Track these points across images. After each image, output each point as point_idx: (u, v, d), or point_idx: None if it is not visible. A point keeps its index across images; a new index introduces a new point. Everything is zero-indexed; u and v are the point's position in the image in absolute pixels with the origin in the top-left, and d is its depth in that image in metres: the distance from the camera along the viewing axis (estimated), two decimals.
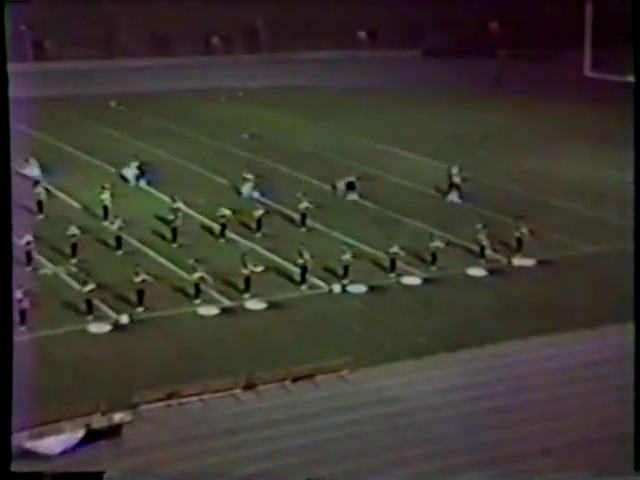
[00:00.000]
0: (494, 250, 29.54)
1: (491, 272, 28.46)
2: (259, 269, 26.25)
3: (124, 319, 24.31)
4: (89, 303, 24.47)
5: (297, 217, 32.42)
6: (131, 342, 23.39)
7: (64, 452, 18.26)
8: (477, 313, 25.43)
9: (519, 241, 29.65)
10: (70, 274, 27.34)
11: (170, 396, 20.12)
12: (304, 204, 32.02)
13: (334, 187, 36.10)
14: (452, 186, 36.13)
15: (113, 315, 24.57)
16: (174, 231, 30.20)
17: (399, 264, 28.02)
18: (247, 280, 26.07)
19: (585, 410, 20.14)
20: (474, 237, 29.60)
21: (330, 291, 26.79)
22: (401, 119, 51.32)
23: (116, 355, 22.59)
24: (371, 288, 26.99)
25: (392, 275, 27.83)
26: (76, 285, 26.19)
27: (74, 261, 28.14)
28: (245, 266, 26.10)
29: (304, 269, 26.95)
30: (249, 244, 30.21)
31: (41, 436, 18.45)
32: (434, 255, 28.48)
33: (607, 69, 58.01)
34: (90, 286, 24.46)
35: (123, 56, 68.18)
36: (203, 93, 57.12)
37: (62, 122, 47.88)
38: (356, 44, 73.08)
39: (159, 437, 18.94)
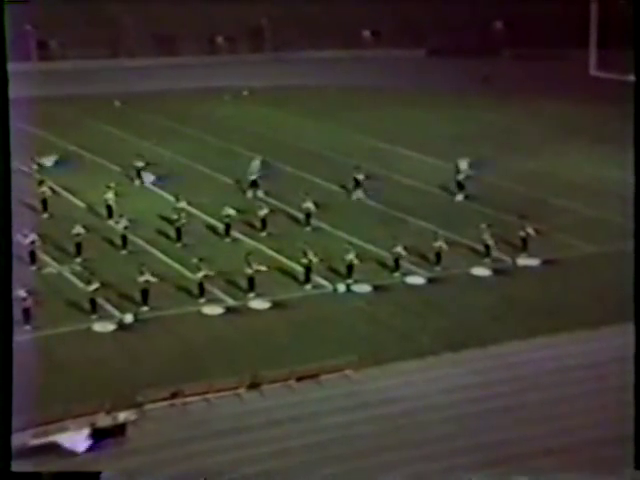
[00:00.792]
0: (498, 250, 29.53)
1: (495, 272, 28.46)
2: (263, 268, 26.30)
3: (128, 318, 24.38)
4: (93, 302, 24.55)
5: (301, 216, 32.44)
6: (135, 341, 23.46)
7: (89, 449, 18.34)
8: (481, 313, 25.44)
9: (524, 241, 29.65)
10: (74, 273, 27.42)
11: (174, 395, 20.19)
12: (308, 203, 32.07)
13: (344, 187, 36.21)
14: (460, 185, 36.15)
15: (117, 314, 24.64)
16: (178, 231, 30.26)
17: (403, 264, 28.05)
18: (251, 280, 26.12)
19: (588, 411, 20.15)
20: (478, 236, 29.59)
21: (334, 291, 26.83)
22: (405, 118, 51.29)
23: (120, 354, 22.67)
24: (375, 288, 27.03)
25: (396, 275, 27.86)
26: (80, 284, 26.26)
27: (79, 260, 28.21)
28: (249, 265, 26.14)
29: (308, 269, 26.99)
30: (253, 243, 30.28)
31: (46, 434, 18.54)
32: (438, 255, 28.49)
33: (613, 68, 57.90)
34: (94, 285, 24.52)
35: (127, 56, 68.23)
36: (207, 92, 57.13)
37: (66, 121, 47.97)
38: (360, 43, 73.03)
39: (163, 436, 19.00)
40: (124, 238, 29.45)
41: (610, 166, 39.34)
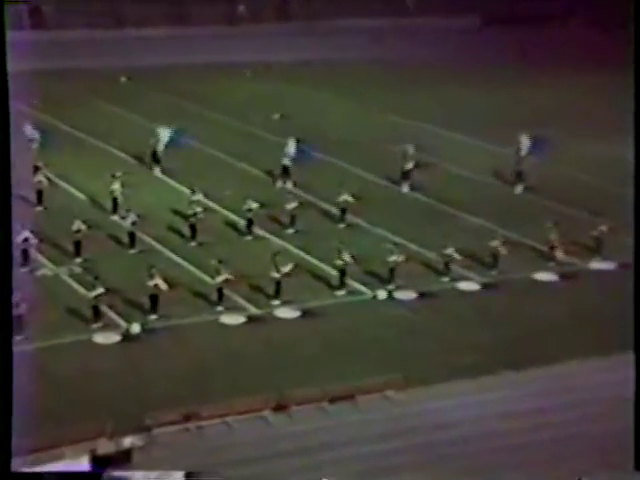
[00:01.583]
0: (566, 252, 29.28)
1: (562, 277, 28.26)
2: (290, 270, 26.23)
3: (135, 328, 24.45)
4: (96, 309, 24.62)
5: (336, 211, 32.41)
6: (143, 354, 23.53)
7: None
8: (545, 325, 25.27)
9: (597, 241, 29.35)
10: (73, 275, 27.54)
11: (188, 418, 20.18)
12: (344, 196, 31.99)
13: (384, 177, 36.22)
14: (519, 175, 35.91)
15: (123, 323, 24.69)
16: (193, 227, 30.30)
17: (454, 267, 27.90)
18: (278, 284, 26.07)
19: None
20: (542, 236, 29.38)
21: (374, 297, 26.79)
22: (455, 97, 51.15)
23: (126, 369, 22.73)
24: (421, 294, 26.95)
25: (446, 279, 27.72)
26: (80, 288, 26.39)
27: (78, 260, 28.34)
28: (276, 268, 26.08)
29: (343, 272, 26.91)
30: (280, 242, 30.25)
31: (39, 462, 18.57)
32: (495, 256, 28.31)
33: None
34: (98, 290, 24.58)
35: (134, 25, 68.60)
36: (226, 68, 57.35)
37: (64, 99, 48.31)
38: (404, 11, 72.89)
39: (174, 465, 18.96)
40: (132, 235, 29.53)
41: None
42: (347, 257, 26.90)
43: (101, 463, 18.76)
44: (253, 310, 25.83)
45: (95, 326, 24.47)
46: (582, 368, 23.04)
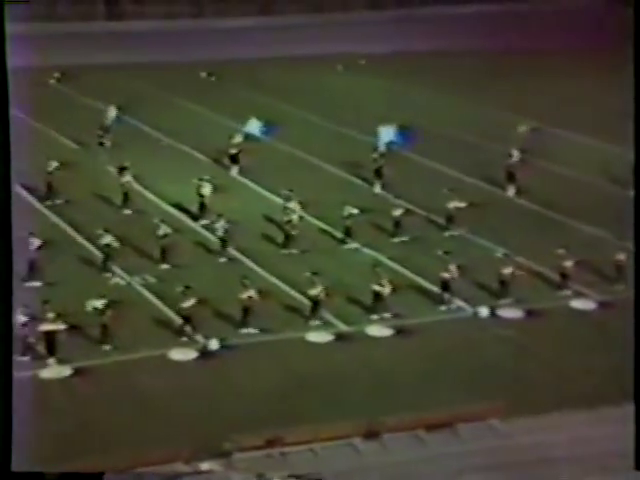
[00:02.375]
0: None
1: None
2: (388, 284, 26.32)
3: (213, 344, 24.74)
4: (187, 320, 24.98)
5: (439, 219, 32.55)
6: (222, 373, 23.78)
7: None
8: None
9: None
10: (146, 285, 27.97)
11: (270, 443, 20.34)
12: (454, 202, 32.00)
13: (488, 180, 36.10)
14: None
15: (201, 339, 25.04)
16: (286, 235, 30.63)
17: (569, 282, 27.72)
18: (377, 296, 26.19)
19: None
20: None
21: (475, 315, 26.63)
22: (569, 90, 50.43)
23: (204, 388, 23.01)
24: (529, 312, 26.69)
25: (558, 295, 27.51)
26: (153, 299, 26.87)
27: (166, 266, 28.94)
28: (377, 280, 26.21)
29: (446, 285, 26.84)
30: (372, 253, 30.43)
31: None
32: (620, 269, 27.85)
33: None
34: (190, 301, 24.96)
35: (216, 15, 69.36)
36: (315, 61, 57.64)
37: (139, 96, 49.15)
38: None
39: None
40: (223, 242, 30.02)
41: None
42: (453, 268, 26.83)
43: None
44: (342, 327, 25.92)
45: (183, 339, 24.84)
46: None
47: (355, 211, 31.15)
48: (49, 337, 23.79)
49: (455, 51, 59.61)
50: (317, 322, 25.88)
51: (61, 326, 23.79)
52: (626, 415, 21.82)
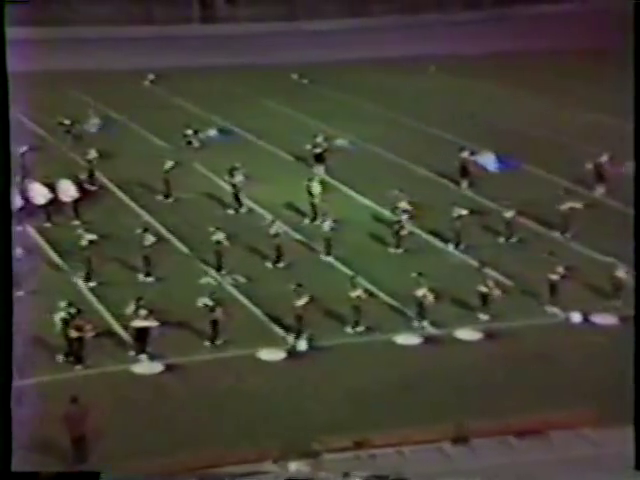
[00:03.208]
0: None
1: None
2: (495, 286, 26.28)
3: (302, 345, 24.80)
4: (299, 320, 25.07)
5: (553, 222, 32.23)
6: (311, 374, 23.82)
7: None
8: None
9: None
10: (237, 286, 28.15)
11: (359, 445, 20.33)
12: (569, 204, 31.64)
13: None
14: None
15: (290, 339, 25.14)
16: (397, 236, 30.68)
17: None
18: (485, 298, 26.16)
19: None
20: None
21: (567, 319, 26.32)
22: None
23: (292, 389, 23.08)
24: (622, 319, 26.02)
25: None
26: (244, 300, 27.07)
27: (281, 265, 29.29)
28: (484, 283, 26.22)
29: (554, 287, 26.59)
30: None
31: None
32: None
33: None
34: (303, 299, 25.03)
35: (308, 17, 69.42)
36: (407, 62, 57.36)
37: (231, 98, 49.56)
38: None
39: None
40: (328, 243, 30.19)
41: None
42: (561, 270, 26.52)
43: None
44: (431, 330, 25.80)
45: (292, 337, 24.98)
46: None
47: (464, 212, 31.00)
48: (141, 333, 24.14)
49: (551, 50, 58.66)
50: (424, 324, 25.80)
51: (154, 323, 24.10)
52: None
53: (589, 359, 24.32)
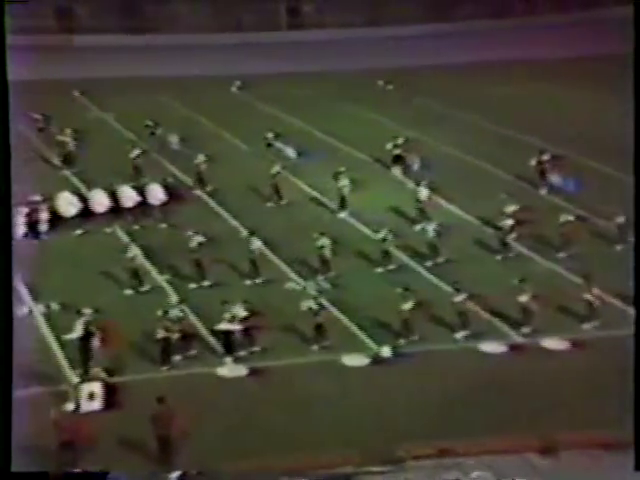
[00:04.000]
0: None
1: None
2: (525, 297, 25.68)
3: (386, 351, 24.66)
4: (406, 325, 25.06)
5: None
6: (393, 380, 23.64)
7: None
8: None
9: None
10: (321, 292, 27.97)
11: (443, 452, 20.17)
12: None
13: None
14: None
15: (374, 346, 25.01)
16: (504, 243, 30.47)
17: None
18: (589, 307, 25.78)
19: None
20: None
21: None
22: None
23: (375, 395, 22.94)
24: None
25: None
26: (331, 307, 26.98)
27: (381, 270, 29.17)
28: (523, 292, 25.67)
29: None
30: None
31: None
32: None
33: None
34: (409, 303, 25.02)
35: (390, 23, 69.18)
36: (492, 67, 56.90)
37: (314, 103, 49.61)
38: None
39: None
40: (434, 248, 29.93)
41: None
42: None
43: None
44: (515, 337, 25.48)
45: (404, 341, 24.94)
46: None
47: (571, 218, 30.73)
48: (227, 336, 24.21)
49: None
50: (525, 330, 25.52)
51: (237, 327, 24.15)
52: None
53: None
